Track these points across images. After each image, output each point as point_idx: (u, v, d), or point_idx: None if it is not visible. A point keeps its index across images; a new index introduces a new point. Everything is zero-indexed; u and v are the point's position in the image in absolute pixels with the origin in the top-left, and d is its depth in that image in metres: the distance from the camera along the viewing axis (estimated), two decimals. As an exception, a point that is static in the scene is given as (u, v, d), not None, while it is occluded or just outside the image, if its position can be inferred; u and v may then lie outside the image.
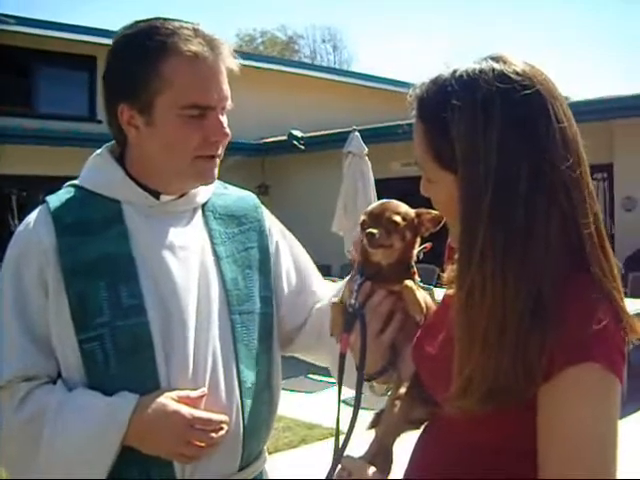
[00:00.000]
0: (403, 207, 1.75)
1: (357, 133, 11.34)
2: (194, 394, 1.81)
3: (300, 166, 16.41)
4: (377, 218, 1.72)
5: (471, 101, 1.35)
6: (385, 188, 11.02)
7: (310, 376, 9.00)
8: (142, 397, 1.78)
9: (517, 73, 1.36)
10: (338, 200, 11.14)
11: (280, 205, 11.59)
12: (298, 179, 16.53)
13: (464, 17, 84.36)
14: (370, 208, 1.76)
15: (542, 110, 1.35)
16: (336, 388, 1.81)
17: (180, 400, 1.79)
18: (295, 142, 15.67)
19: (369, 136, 11.50)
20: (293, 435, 7.23)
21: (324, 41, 53.41)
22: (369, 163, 11.24)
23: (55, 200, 1.93)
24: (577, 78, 75.88)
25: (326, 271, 11.30)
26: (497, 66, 1.38)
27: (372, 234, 1.69)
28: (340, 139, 12.11)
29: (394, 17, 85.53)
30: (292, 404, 7.97)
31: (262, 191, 15.40)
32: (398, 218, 1.71)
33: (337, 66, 45.70)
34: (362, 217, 1.74)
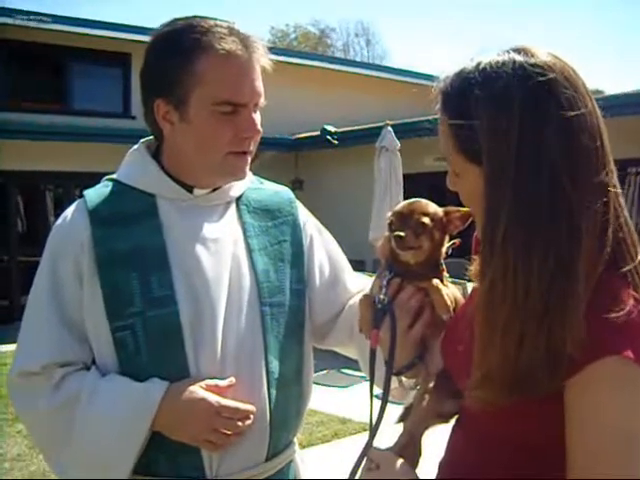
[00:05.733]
0: (432, 207, 1.74)
1: (390, 128, 11.32)
2: (222, 383, 1.86)
3: (333, 161, 16.39)
4: (405, 219, 1.71)
5: (492, 93, 1.36)
6: (419, 183, 11.02)
7: (343, 370, 9.03)
8: (172, 384, 1.84)
9: (537, 64, 1.36)
10: (373, 206, 11.11)
11: (314, 200, 11.60)
12: (331, 174, 16.50)
13: (499, 17, 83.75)
14: (398, 208, 1.75)
15: (561, 102, 1.34)
16: (368, 383, 1.82)
17: (208, 389, 1.84)
18: (328, 137, 15.63)
19: (402, 131, 11.45)
20: (326, 429, 7.25)
21: (357, 35, 53.32)
22: (400, 159, 11.23)
23: (92, 194, 1.99)
24: (611, 72, 75.19)
25: (359, 266, 11.29)
26: (518, 58, 1.37)
27: (400, 237, 1.68)
28: (373, 134, 12.08)
29: (429, 14, 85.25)
30: (325, 399, 8.01)
31: (296, 186, 15.38)
32: (426, 219, 1.70)
33: (370, 61, 45.51)
34: (390, 217, 1.74)
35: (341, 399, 8.29)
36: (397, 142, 11.21)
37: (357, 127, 15.59)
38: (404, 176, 11.36)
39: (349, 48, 52.86)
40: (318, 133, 15.99)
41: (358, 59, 45.42)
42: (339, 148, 15.70)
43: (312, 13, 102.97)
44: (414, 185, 10.66)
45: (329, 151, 16.05)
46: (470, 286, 1.69)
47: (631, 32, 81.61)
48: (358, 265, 10.32)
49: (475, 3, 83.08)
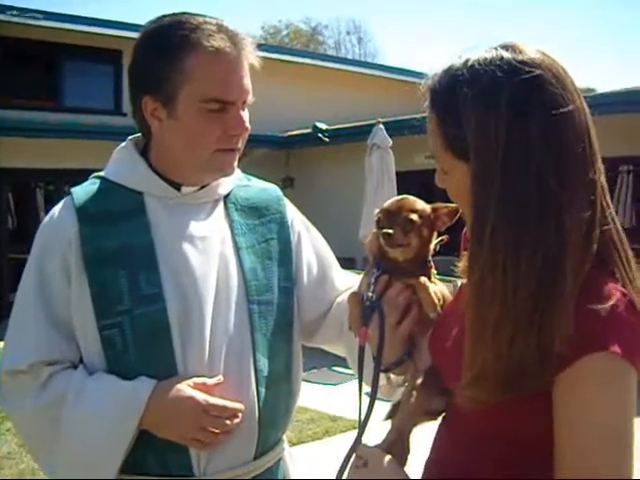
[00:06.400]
0: (420, 204, 1.73)
1: (381, 125, 11.32)
2: (210, 381, 1.86)
3: (325, 159, 16.37)
4: (393, 216, 1.70)
5: (480, 91, 1.35)
6: (410, 180, 11.03)
7: (334, 368, 9.02)
8: (159, 382, 1.83)
9: (525, 61, 1.36)
10: (363, 204, 11.10)
11: (305, 197, 11.60)
12: (323, 172, 16.48)
13: (498, 16, 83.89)
14: (386, 205, 1.74)
15: (548, 99, 1.34)
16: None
17: (196, 387, 1.83)
18: (320, 135, 15.63)
19: (393, 128, 11.45)
20: (317, 427, 7.26)
21: (348, 33, 53.29)
22: (392, 156, 11.23)
23: (79, 192, 1.98)
24: (610, 71, 75.38)
25: (350, 263, 11.30)
26: (506, 54, 1.37)
27: (389, 234, 1.68)
28: (365, 131, 12.08)
29: (427, 12, 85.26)
30: (316, 396, 8.03)
31: (287, 184, 15.36)
32: (415, 216, 1.69)
33: (362, 59, 45.50)
34: (377, 215, 1.74)
35: (332, 397, 8.29)
36: (389, 139, 11.20)
37: (349, 124, 15.59)
38: (397, 173, 11.37)
39: (340, 46, 52.87)
40: (309, 130, 15.99)
41: (350, 57, 45.41)
42: (330, 146, 15.70)
43: (304, 11, 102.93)
44: (406, 182, 10.68)
45: (320, 149, 16.05)
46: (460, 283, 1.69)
47: (630, 31, 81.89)
48: (348, 263, 10.34)
49: (475, 1, 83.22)
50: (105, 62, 16.28)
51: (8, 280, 13.75)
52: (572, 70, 1.42)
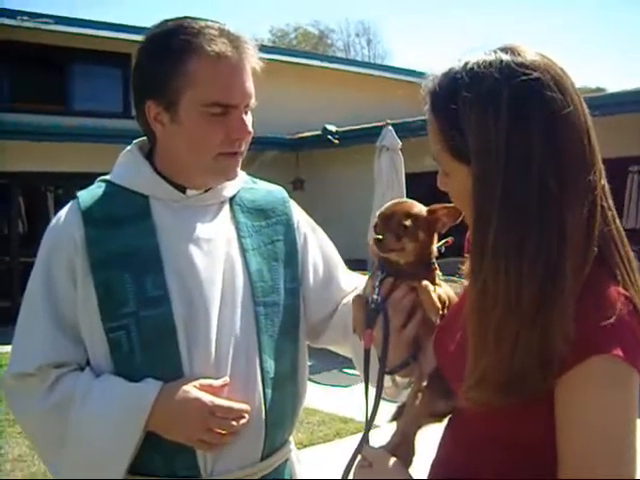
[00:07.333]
0: (416, 207, 1.73)
1: (390, 127, 11.32)
2: (216, 383, 1.86)
3: (335, 161, 16.38)
4: (387, 221, 1.71)
5: (480, 93, 1.35)
6: (419, 182, 11.00)
7: (344, 370, 9.01)
8: (166, 384, 1.84)
9: (524, 64, 1.35)
10: (373, 205, 11.08)
11: (315, 199, 11.61)
12: (332, 173, 16.48)
13: (499, 14, 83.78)
14: (382, 210, 1.74)
15: (547, 101, 1.33)
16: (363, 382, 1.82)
17: (202, 388, 1.84)
18: (329, 137, 15.63)
19: (402, 130, 11.44)
20: (328, 429, 7.26)
21: (357, 35, 53.33)
22: (402, 158, 11.22)
23: (85, 195, 2.00)
24: (614, 71, 75.22)
25: (360, 265, 11.28)
26: (506, 57, 1.37)
27: (379, 240, 1.69)
28: (374, 133, 12.08)
29: (430, 13, 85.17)
30: (327, 398, 8.01)
31: (297, 186, 15.37)
32: (408, 221, 1.69)
33: (371, 60, 45.51)
34: (375, 219, 1.74)
35: (342, 399, 8.27)
36: (398, 141, 11.19)
37: (358, 126, 15.59)
38: (407, 175, 11.36)
39: (349, 48, 52.90)
40: (319, 133, 15.99)
41: (359, 59, 45.42)
42: (340, 147, 15.70)
43: (312, 14, 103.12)
44: (416, 184, 10.64)
45: (330, 150, 16.05)
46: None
47: (633, 32, 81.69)
48: (359, 264, 10.30)
49: (482, 3, 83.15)
50: (114, 65, 16.32)
51: (19, 284, 13.80)
52: (574, 72, 1.42)
